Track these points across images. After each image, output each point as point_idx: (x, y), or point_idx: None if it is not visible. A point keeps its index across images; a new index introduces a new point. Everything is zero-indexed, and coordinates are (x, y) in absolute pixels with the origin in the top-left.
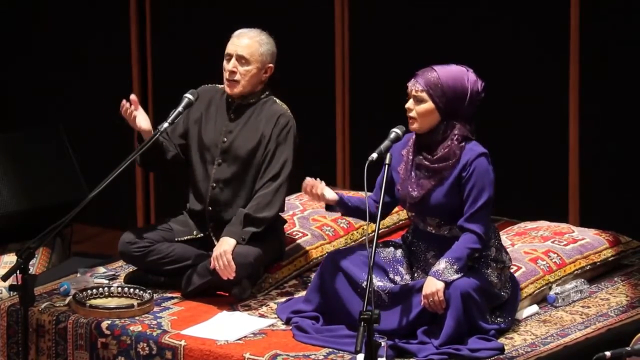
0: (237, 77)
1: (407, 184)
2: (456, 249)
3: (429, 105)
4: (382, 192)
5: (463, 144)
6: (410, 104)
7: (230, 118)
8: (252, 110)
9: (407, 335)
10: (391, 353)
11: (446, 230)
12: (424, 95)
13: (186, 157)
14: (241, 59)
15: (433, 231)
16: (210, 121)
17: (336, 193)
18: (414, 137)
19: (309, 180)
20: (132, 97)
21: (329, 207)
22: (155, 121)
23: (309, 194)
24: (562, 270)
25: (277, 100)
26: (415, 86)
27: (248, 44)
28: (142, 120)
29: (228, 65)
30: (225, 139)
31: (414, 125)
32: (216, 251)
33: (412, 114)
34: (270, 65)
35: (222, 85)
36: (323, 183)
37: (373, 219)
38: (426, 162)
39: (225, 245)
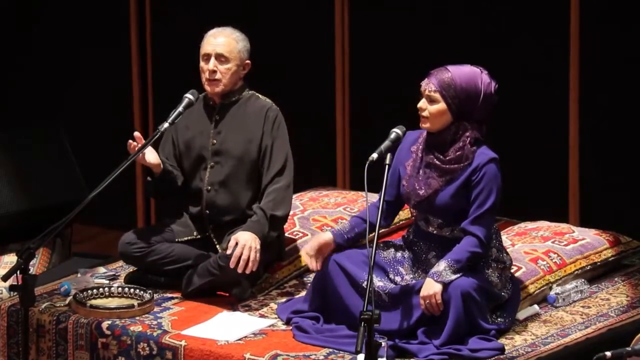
0: (218, 75)
1: (414, 182)
2: (457, 251)
3: (441, 105)
4: (383, 192)
5: (475, 147)
6: (422, 103)
7: (215, 120)
8: (237, 108)
9: (408, 335)
10: (391, 353)
11: (448, 231)
12: (437, 95)
13: (180, 168)
14: (220, 57)
15: (434, 232)
16: (195, 128)
17: (332, 232)
18: (424, 134)
19: None
20: (136, 134)
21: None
22: (156, 121)
23: None
24: (563, 270)
25: (260, 95)
26: (428, 86)
27: (226, 42)
28: (150, 156)
29: (208, 65)
30: (215, 141)
31: (426, 125)
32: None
33: (425, 113)
34: (248, 61)
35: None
36: None
37: (373, 228)
38: (437, 162)
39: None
